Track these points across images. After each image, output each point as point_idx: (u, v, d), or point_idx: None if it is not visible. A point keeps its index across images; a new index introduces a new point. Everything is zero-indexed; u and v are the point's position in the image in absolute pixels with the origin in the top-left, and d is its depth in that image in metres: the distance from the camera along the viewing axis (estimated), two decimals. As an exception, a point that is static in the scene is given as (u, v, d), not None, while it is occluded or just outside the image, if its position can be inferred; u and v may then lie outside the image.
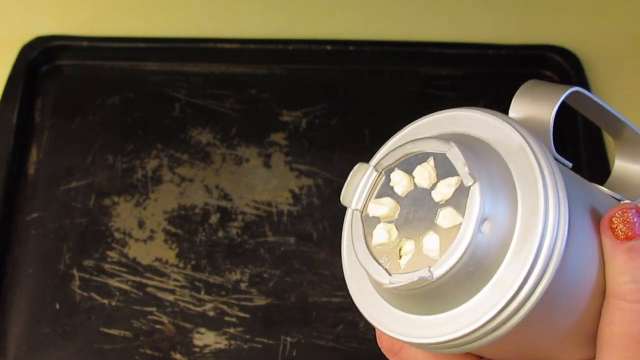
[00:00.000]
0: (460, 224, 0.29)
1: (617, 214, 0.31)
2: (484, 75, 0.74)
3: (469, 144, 0.30)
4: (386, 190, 0.31)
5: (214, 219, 0.65)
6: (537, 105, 0.32)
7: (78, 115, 0.70)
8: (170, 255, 0.64)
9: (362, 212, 0.32)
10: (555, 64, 0.73)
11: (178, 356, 0.60)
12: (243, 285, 0.62)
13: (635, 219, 0.31)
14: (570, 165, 0.33)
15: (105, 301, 0.61)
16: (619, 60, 0.75)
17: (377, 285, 0.32)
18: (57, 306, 0.61)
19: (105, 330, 0.60)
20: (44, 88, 0.72)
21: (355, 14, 0.78)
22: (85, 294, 0.62)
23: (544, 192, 0.29)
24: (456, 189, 0.29)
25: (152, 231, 0.65)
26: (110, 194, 0.66)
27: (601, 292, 0.31)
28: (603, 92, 0.72)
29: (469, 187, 0.29)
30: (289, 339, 0.60)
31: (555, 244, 0.29)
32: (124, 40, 0.74)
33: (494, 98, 0.70)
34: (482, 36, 0.75)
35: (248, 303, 0.62)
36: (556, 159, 0.32)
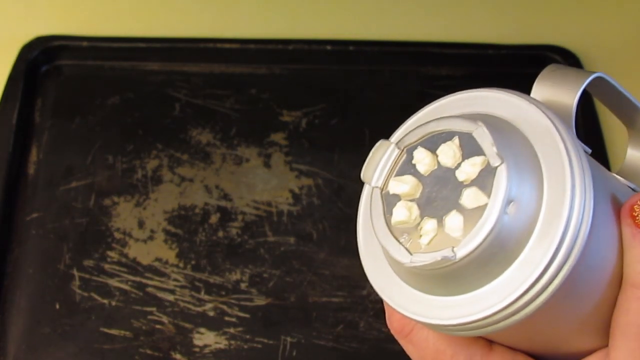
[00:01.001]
0: (485, 204, 0.28)
1: (638, 202, 0.30)
2: (484, 75, 0.74)
3: (495, 124, 0.30)
4: (408, 169, 0.31)
5: (214, 219, 0.65)
6: (559, 90, 0.32)
7: (78, 115, 0.70)
8: (170, 255, 0.64)
9: (382, 190, 0.31)
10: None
11: (178, 356, 0.60)
12: (243, 285, 0.62)
13: None
14: (590, 151, 0.32)
15: (105, 301, 0.61)
16: (619, 60, 0.75)
17: (395, 264, 0.31)
18: (57, 306, 0.61)
19: (105, 330, 0.60)
20: (44, 88, 0.72)
21: (355, 14, 0.78)
22: (85, 294, 0.62)
23: (571, 176, 0.29)
24: (482, 169, 0.29)
25: (152, 231, 0.65)
26: (110, 194, 0.66)
27: (618, 280, 0.31)
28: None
29: (496, 167, 0.28)
30: (289, 339, 0.60)
31: (580, 228, 0.28)
32: (124, 40, 0.74)
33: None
34: (482, 36, 0.75)
35: (248, 303, 0.62)
36: None
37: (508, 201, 0.28)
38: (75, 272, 0.63)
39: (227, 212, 0.66)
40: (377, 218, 0.31)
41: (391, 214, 0.31)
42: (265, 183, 0.67)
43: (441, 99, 0.33)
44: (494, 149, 0.28)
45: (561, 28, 0.77)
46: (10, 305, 0.61)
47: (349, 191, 0.67)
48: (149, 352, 0.60)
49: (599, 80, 0.33)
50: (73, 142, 0.69)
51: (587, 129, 0.68)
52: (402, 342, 0.35)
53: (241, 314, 0.61)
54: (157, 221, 0.65)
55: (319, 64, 0.74)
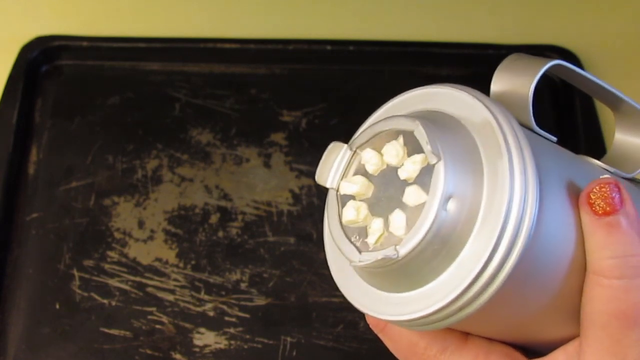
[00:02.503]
0: (425, 202, 0.29)
1: (594, 189, 0.30)
2: (484, 75, 0.73)
3: (438, 121, 0.30)
4: (360, 169, 0.32)
5: (214, 219, 0.65)
6: (517, 79, 0.32)
7: (78, 115, 0.70)
8: (170, 255, 0.64)
9: (337, 191, 0.32)
10: (555, 64, 0.73)
11: (178, 356, 0.60)
12: (243, 285, 0.62)
13: (614, 194, 0.30)
14: (555, 139, 0.32)
15: (105, 301, 0.61)
16: (619, 60, 0.75)
17: (351, 264, 0.32)
18: (57, 306, 0.61)
19: (105, 330, 0.60)
20: (44, 88, 0.72)
21: (355, 14, 0.78)
22: (85, 294, 0.62)
23: (510, 168, 0.28)
24: (423, 167, 0.29)
25: (152, 231, 0.65)
26: (110, 194, 0.66)
27: (582, 269, 0.31)
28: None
29: (434, 165, 0.29)
30: (289, 339, 0.60)
31: (522, 219, 0.28)
32: (124, 40, 0.74)
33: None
34: (482, 36, 0.75)
35: (248, 303, 0.62)
36: (538, 133, 0.32)
37: (446, 198, 0.28)
38: (75, 272, 0.63)
39: (227, 212, 0.66)
40: (332, 218, 0.32)
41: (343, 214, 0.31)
42: (265, 183, 0.67)
43: (397, 96, 0.34)
44: (429, 147, 0.29)
45: (561, 28, 0.77)
46: (10, 305, 0.61)
47: (349, 191, 0.66)
48: (149, 352, 0.60)
49: (560, 67, 0.33)
50: (73, 142, 0.69)
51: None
52: (379, 335, 0.35)
53: (241, 314, 0.61)
54: (157, 221, 0.65)
55: (319, 64, 0.74)
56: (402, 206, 0.30)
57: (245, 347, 0.60)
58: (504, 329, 0.32)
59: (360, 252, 0.30)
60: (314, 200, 0.66)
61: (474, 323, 0.31)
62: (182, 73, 0.73)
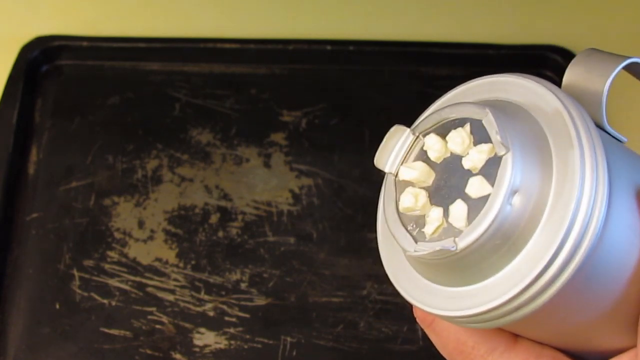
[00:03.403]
0: (489, 194, 0.27)
1: None
2: (484, 75, 0.73)
3: (507, 111, 0.29)
4: (421, 155, 0.30)
5: (214, 219, 0.65)
6: (591, 75, 0.31)
7: (78, 115, 0.70)
8: (170, 255, 0.64)
9: (395, 176, 0.30)
10: (555, 64, 0.73)
11: (178, 356, 0.60)
12: (243, 285, 0.62)
13: None
14: (625, 140, 0.31)
15: (105, 301, 0.61)
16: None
17: (406, 253, 0.30)
18: (57, 306, 0.61)
19: (105, 330, 0.60)
20: (44, 88, 0.72)
21: (355, 14, 0.78)
22: (85, 294, 0.62)
23: (581, 165, 0.27)
24: (490, 158, 0.28)
25: (152, 231, 0.65)
26: (110, 194, 0.66)
27: None
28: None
29: (501, 156, 0.27)
30: (289, 339, 0.60)
31: (590, 220, 0.27)
32: (124, 40, 0.74)
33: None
34: (482, 36, 0.75)
35: (248, 303, 0.62)
36: (608, 132, 0.30)
37: (512, 191, 0.27)
38: (75, 272, 0.63)
39: (227, 212, 0.66)
40: (388, 204, 0.30)
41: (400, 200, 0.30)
42: (265, 183, 0.67)
43: (463, 84, 0.32)
44: (499, 137, 0.27)
45: (561, 28, 0.77)
46: (10, 305, 0.61)
47: (349, 191, 0.67)
48: (149, 352, 0.60)
49: (636, 66, 0.31)
50: (73, 142, 0.69)
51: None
52: (426, 330, 0.34)
53: (241, 314, 0.61)
54: (157, 221, 0.65)
55: (319, 64, 0.74)
56: (464, 197, 0.28)
57: (245, 347, 0.60)
58: (557, 333, 0.31)
59: (416, 241, 0.29)
60: (314, 200, 0.66)
61: (526, 325, 0.30)
62: (182, 73, 0.73)
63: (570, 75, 0.31)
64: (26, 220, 0.65)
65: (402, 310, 0.61)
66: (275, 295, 0.62)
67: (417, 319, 0.34)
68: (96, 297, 0.62)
